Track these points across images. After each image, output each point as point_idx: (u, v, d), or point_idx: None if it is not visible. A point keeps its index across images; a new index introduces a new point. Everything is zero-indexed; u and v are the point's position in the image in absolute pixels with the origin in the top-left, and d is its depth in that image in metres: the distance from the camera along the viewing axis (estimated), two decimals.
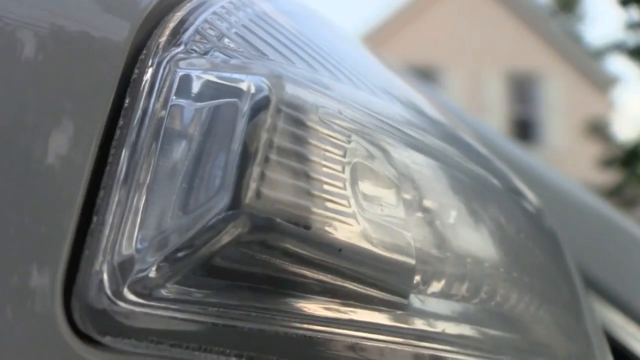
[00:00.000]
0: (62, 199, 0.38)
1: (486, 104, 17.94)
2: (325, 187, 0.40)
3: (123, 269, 0.37)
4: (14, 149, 0.37)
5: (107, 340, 0.38)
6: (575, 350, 0.65)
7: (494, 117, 17.46)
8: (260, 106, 0.38)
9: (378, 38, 17.56)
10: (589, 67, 18.55)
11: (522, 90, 18.57)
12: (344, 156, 0.42)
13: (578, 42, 19.74)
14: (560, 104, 18.42)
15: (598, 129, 12.89)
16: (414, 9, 18.59)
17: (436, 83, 17.10)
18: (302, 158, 0.39)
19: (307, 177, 0.39)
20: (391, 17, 18.72)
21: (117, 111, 0.40)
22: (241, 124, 0.38)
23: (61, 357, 0.37)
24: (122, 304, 0.37)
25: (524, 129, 18.26)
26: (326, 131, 0.41)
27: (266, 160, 0.38)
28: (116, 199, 0.39)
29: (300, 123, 0.40)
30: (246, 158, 0.37)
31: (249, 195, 0.37)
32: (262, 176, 0.37)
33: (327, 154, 0.41)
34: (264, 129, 0.38)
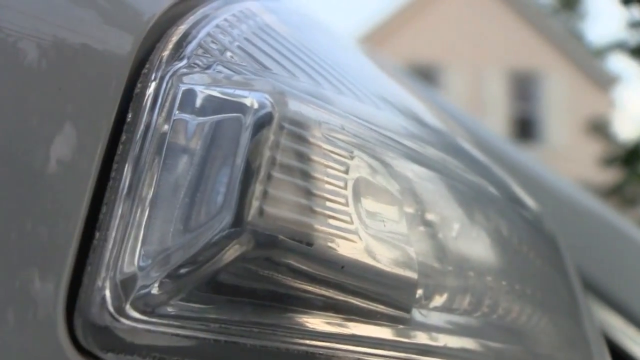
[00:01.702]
0: (65, 213, 0.38)
1: (487, 103, 17.93)
2: (328, 204, 0.40)
3: (125, 286, 0.37)
4: (19, 160, 0.37)
5: (109, 356, 0.38)
6: (575, 357, 0.65)
7: (495, 116, 17.45)
8: (263, 122, 0.38)
9: (379, 36, 17.55)
10: (590, 65, 18.53)
11: (523, 88, 18.56)
12: (346, 172, 0.42)
13: (579, 41, 19.72)
14: (561, 103, 18.41)
15: (599, 128, 12.86)
16: (415, 7, 18.57)
17: (437, 82, 17.09)
18: (305, 175, 0.39)
19: (310, 194, 0.39)
20: (392, 15, 18.70)
21: (119, 126, 0.40)
22: (244, 140, 0.38)
23: None
24: (124, 320, 0.37)
25: (525, 128, 18.26)
26: (329, 147, 0.41)
27: (269, 177, 0.38)
28: (119, 214, 0.39)
29: (302, 139, 0.39)
30: (249, 175, 0.37)
31: (251, 213, 0.37)
32: (265, 193, 0.37)
33: (330, 170, 0.40)
34: (267, 146, 0.38)
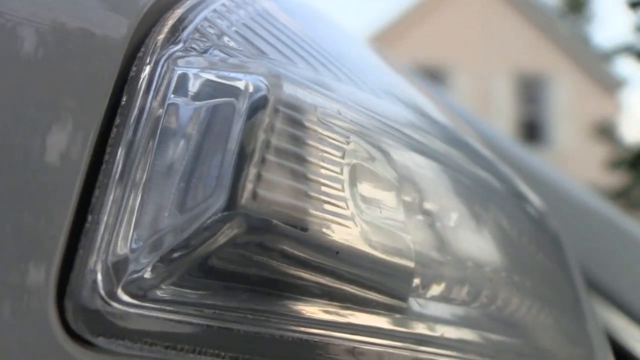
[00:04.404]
0: (58, 196, 0.37)
1: (494, 105, 17.92)
2: (323, 188, 0.39)
3: (117, 269, 0.37)
4: (11, 146, 0.37)
5: (100, 341, 0.37)
6: (577, 354, 0.65)
7: (502, 118, 17.44)
8: (258, 106, 0.38)
9: (387, 38, 17.56)
10: (597, 69, 18.51)
11: (530, 91, 18.55)
12: (342, 157, 0.41)
13: (586, 44, 19.70)
14: (568, 106, 18.39)
15: (605, 131, 12.87)
16: (423, 9, 18.57)
17: (444, 83, 17.09)
18: (300, 159, 0.39)
19: (305, 178, 0.39)
20: (400, 17, 18.71)
21: (114, 109, 0.40)
22: (238, 124, 0.38)
23: (53, 357, 0.37)
24: (115, 304, 0.37)
25: (532, 130, 18.25)
26: (325, 132, 0.40)
27: (263, 160, 0.37)
28: (111, 197, 0.38)
29: (298, 123, 0.39)
30: (243, 158, 0.37)
31: (245, 196, 0.36)
32: (259, 177, 0.37)
33: (325, 155, 0.40)
34: (261, 129, 0.37)
